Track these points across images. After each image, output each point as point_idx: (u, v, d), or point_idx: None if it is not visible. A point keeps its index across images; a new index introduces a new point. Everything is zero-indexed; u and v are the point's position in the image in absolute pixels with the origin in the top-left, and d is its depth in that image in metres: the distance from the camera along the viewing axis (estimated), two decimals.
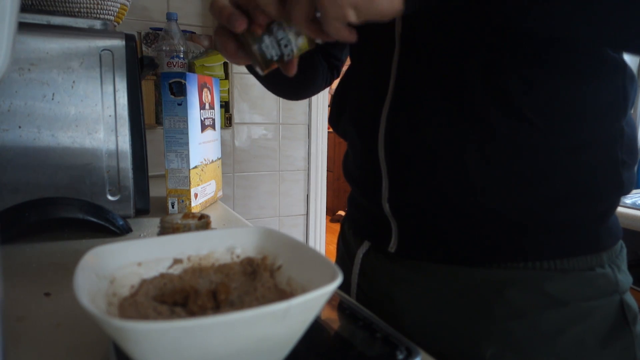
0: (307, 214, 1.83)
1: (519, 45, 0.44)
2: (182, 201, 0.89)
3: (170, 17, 1.40)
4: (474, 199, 0.48)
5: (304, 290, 0.36)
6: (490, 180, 0.47)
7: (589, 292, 0.47)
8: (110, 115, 0.76)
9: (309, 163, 1.80)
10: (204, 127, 0.95)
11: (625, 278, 0.49)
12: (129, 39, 0.76)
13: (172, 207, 0.89)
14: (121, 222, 0.74)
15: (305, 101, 1.77)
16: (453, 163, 0.47)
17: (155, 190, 0.99)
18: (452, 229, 0.50)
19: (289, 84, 0.68)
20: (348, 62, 0.67)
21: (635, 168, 0.51)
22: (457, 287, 0.50)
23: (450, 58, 0.47)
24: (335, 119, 0.67)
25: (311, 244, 1.85)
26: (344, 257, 0.66)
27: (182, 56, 1.43)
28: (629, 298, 0.49)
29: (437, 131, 0.48)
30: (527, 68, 0.44)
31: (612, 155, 0.47)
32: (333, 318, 0.45)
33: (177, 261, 0.41)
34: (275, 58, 0.42)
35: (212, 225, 0.54)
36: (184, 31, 1.56)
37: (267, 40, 0.41)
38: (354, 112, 0.60)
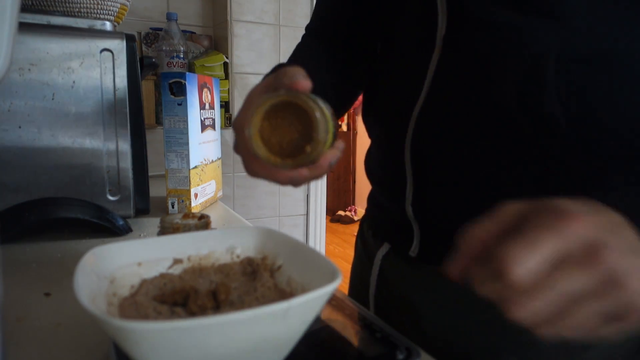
0: (307, 214, 1.83)
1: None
2: (182, 201, 0.89)
3: (170, 17, 1.40)
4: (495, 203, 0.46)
5: (304, 290, 0.36)
6: (520, 191, 0.44)
7: None
8: (110, 115, 0.76)
9: None
10: (204, 127, 0.95)
11: None
12: (129, 39, 0.76)
13: (172, 207, 0.89)
14: (121, 222, 0.74)
15: None
16: (482, 172, 0.46)
17: (155, 190, 0.98)
18: None
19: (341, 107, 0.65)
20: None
21: None
22: (480, 297, 0.48)
23: (492, 65, 0.44)
24: (364, 113, 0.64)
25: (311, 244, 1.85)
26: (362, 256, 0.65)
27: (182, 56, 1.43)
28: None
29: (468, 138, 0.46)
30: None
31: None
32: (333, 318, 0.45)
33: (177, 261, 0.41)
34: None
35: (212, 225, 0.54)
36: (184, 31, 1.56)
37: None
38: (383, 110, 0.57)
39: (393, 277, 0.57)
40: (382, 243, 0.59)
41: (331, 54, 0.63)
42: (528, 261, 0.27)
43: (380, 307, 0.60)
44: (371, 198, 0.63)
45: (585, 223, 0.27)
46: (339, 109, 0.67)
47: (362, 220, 0.68)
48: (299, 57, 0.62)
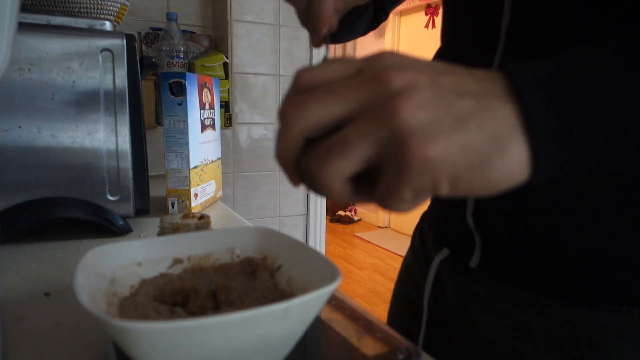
0: (307, 214, 1.83)
1: None
2: (182, 201, 0.89)
3: (170, 17, 1.40)
4: (570, 225, 0.40)
5: (304, 290, 0.36)
6: (586, 202, 0.39)
7: None
8: (110, 116, 0.76)
9: None
10: (204, 127, 0.95)
11: None
12: (129, 39, 0.76)
13: (172, 207, 0.89)
14: (121, 222, 0.74)
15: None
16: (549, 184, 0.43)
17: (155, 190, 0.99)
18: (544, 256, 0.43)
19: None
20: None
21: None
22: (547, 322, 0.43)
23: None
24: None
25: (311, 244, 1.85)
26: (419, 256, 0.61)
27: (182, 56, 1.43)
28: None
29: None
30: None
31: None
32: (333, 318, 0.45)
33: (177, 261, 0.41)
34: None
35: (212, 225, 0.54)
36: (184, 31, 1.56)
37: None
38: None
39: (450, 284, 0.54)
40: (442, 247, 0.55)
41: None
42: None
43: (434, 314, 0.57)
44: (435, 197, 0.58)
45: (395, 75, 0.23)
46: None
47: (423, 217, 0.64)
48: None
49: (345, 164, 0.23)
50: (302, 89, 0.25)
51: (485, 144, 0.23)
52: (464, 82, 0.24)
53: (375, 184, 0.25)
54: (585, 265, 0.41)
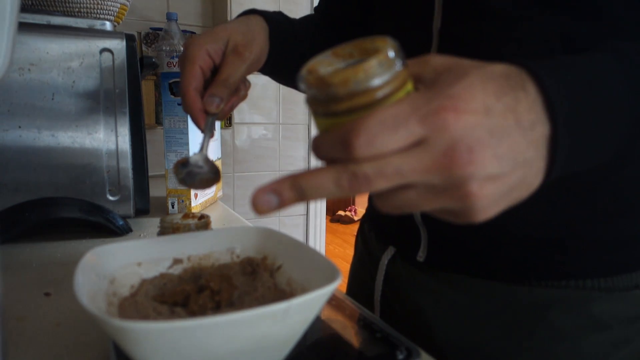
0: (307, 214, 1.83)
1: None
2: (182, 201, 0.89)
3: (170, 17, 1.40)
4: (511, 213, 0.45)
5: (304, 290, 0.36)
6: (533, 196, 0.44)
7: (634, 313, 0.44)
8: (110, 116, 0.76)
9: (309, 163, 1.80)
10: None
11: None
12: (129, 39, 0.76)
13: (172, 207, 0.89)
14: (121, 222, 0.74)
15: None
16: None
17: (155, 190, 0.98)
18: (488, 243, 0.47)
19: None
20: None
21: None
22: (494, 305, 0.47)
23: (493, 56, 0.43)
24: None
25: (311, 244, 1.85)
26: (365, 259, 0.63)
27: None
28: None
29: None
30: None
31: None
32: (333, 318, 0.45)
33: (177, 261, 0.41)
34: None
35: (212, 225, 0.54)
36: (184, 31, 1.56)
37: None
38: None
39: (400, 282, 0.56)
40: (387, 246, 0.57)
41: (324, 27, 0.65)
42: (378, 138, 0.24)
43: (386, 312, 0.59)
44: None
45: (463, 121, 0.24)
46: None
47: (363, 220, 0.67)
48: (291, 20, 0.63)
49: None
50: (360, 160, 0.24)
51: (526, 193, 0.28)
52: (517, 147, 0.26)
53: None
54: (527, 248, 0.45)
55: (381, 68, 0.25)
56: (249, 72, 0.51)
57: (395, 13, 0.52)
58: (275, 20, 0.56)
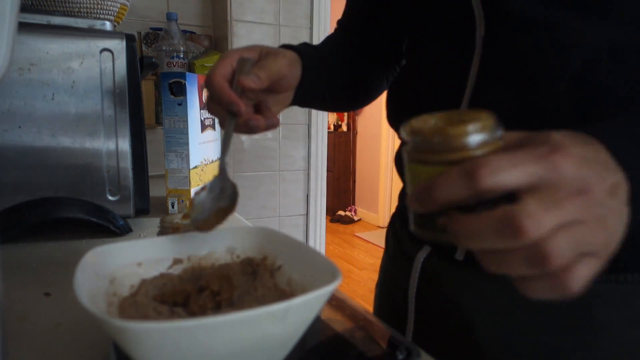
0: (307, 214, 1.83)
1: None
2: (182, 201, 0.89)
3: (170, 17, 1.40)
4: None
5: (304, 290, 0.36)
6: None
7: None
8: (110, 115, 0.76)
9: (309, 163, 1.80)
10: (204, 127, 0.95)
11: None
12: (129, 39, 0.76)
13: (172, 207, 0.89)
14: (121, 222, 0.74)
15: None
16: None
17: (155, 190, 0.98)
18: None
19: (349, 96, 0.65)
20: None
21: None
22: (536, 300, 0.48)
23: (539, 64, 0.42)
24: (393, 118, 0.61)
25: (311, 244, 1.85)
26: (398, 257, 0.62)
27: (182, 56, 1.43)
28: None
29: None
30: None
31: None
32: (333, 318, 0.45)
33: (177, 261, 0.41)
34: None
35: None
36: (184, 31, 1.56)
37: None
38: (419, 113, 0.55)
39: (438, 279, 0.55)
40: (422, 245, 0.56)
41: (352, 46, 0.64)
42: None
43: (422, 308, 0.58)
44: (404, 195, 0.60)
45: (572, 158, 0.27)
46: (352, 99, 0.69)
47: (394, 218, 0.65)
48: (318, 46, 0.63)
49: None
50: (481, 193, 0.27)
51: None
52: (599, 227, 0.28)
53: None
54: None
55: (491, 129, 0.29)
56: (280, 88, 0.52)
57: (434, 22, 0.52)
58: (298, 48, 0.57)
